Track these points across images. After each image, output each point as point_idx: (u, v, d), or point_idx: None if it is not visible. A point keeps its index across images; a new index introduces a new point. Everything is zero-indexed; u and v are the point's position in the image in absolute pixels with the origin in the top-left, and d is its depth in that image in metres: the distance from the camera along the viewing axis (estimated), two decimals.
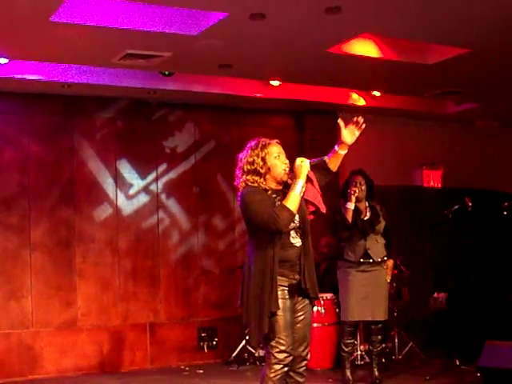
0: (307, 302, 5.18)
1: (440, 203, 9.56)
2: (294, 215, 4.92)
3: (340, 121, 5.18)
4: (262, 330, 4.94)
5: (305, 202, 5.11)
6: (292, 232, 5.06)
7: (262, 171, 5.08)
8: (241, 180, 5.16)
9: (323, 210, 5.05)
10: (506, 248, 11.88)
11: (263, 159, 5.09)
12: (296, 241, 5.07)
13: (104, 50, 7.72)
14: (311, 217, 5.12)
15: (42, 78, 8.58)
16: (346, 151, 5.29)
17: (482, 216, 9.87)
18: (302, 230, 5.10)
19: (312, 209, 5.09)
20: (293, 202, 4.89)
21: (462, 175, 11.69)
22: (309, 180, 5.02)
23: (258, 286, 4.97)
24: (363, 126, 5.22)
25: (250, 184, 5.10)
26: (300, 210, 5.03)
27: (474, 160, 11.96)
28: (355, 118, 5.20)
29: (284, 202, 4.89)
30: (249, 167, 5.11)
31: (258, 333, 4.99)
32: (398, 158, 11.28)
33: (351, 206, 7.77)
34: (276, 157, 5.10)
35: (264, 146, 5.14)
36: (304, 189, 4.97)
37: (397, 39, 8.05)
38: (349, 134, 5.22)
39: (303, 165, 4.97)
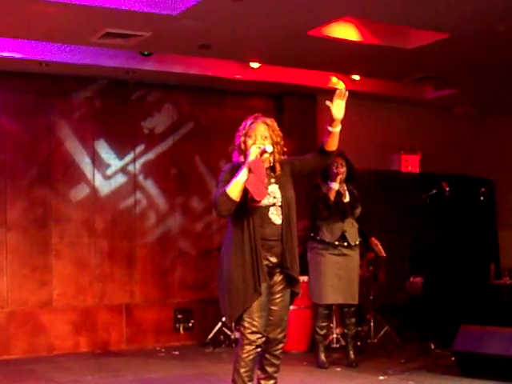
0: (284, 284, 5.17)
1: (418, 188, 9.58)
2: (234, 201, 4.86)
3: (328, 102, 5.11)
4: (242, 306, 4.97)
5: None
6: (272, 208, 5.06)
7: (241, 150, 5.13)
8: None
9: (257, 197, 4.98)
10: (482, 233, 11.96)
11: (241, 138, 5.15)
12: (275, 218, 5.06)
13: (83, 28, 7.66)
14: (252, 204, 5.05)
15: (19, 56, 8.50)
16: (339, 127, 5.10)
17: (459, 201, 9.92)
18: (283, 209, 5.09)
19: (249, 195, 5.04)
20: (233, 188, 4.85)
21: (440, 160, 11.73)
22: (250, 169, 4.95)
23: (239, 262, 4.98)
24: (346, 93, 5.06)
25: (235, 159, 5.17)
26: (283, 189, 5.08)
27: (451, 145, 12.00)
28: (337, 91, 5.07)
29: (225, 188, 4.88)
30: (235, 144, 5.20)
31: (234, 310, 5.02)
32: (377, 143, 11.30)
33: (335, 186, 7.82)
34: (251, 137, 5.11)
35: (245, 125, 5.17)
36: (248, 175, 4.89)
37: (377, 23, 8.06)
38: (336, 109, 5.05)
39: (251, 152, 4.94)
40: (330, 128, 5.11)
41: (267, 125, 5.18)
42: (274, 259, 5.09)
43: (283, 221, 5.08)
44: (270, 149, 5.00)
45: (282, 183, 5.11)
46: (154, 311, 9.79)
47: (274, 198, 5.08)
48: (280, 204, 5.09)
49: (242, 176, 4.87)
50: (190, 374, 7.80)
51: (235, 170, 5.02)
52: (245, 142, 5.11)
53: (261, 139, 5.09)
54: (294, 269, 5.15)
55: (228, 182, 4.94)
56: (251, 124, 5.16)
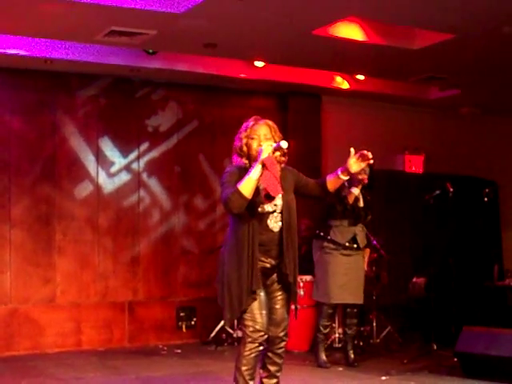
0: (282, 284, 5.17)
1: (421, 188, 9.58)
2: (246, 198, 4.81)
3: (352, 149, 5.11)
4: (239, 309, 4.98)
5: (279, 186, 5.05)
6: (271, 215, 5.05)
7: (243, 152, 5.10)
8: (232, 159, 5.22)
9: (273, 193, 4.97)
10: (486, 234, 11.94)
11: (242, 140, 5.11)
12: (274, 225, 5.05)
13: (88, 26, 7.66)
14: (266, 201, 5.06)
15: (24, 53, 8.50)
16: (347, 178, 5.15)
17: (463, 202, 9.92)
18: (283, 215, 5.08)
19: (264, 192, 5.03)
20: (246, 185, 4.80)
21: (444, 161, 11.72)
22: (264, 166, 4.93)
23: (236, 266, 4.99)
24: (371, 161, 5.07)
25: (236, 163, 5.14)
26: (284, 195, 5.04)
27: (455, 146, 11.98)
28: (365, 151, 5.05)
29: (237, 185, 4.85)
30: (235, 147, 5.16)
31: (233, 312, 5.02)
32: (381, 143, 11.26)
33: (356, 191, 7.88)
34: (254, 138, 5.08)
35: (247, 127, 5.13)
36: (260, 173, 4.87)
37: (382, 23, 8.05)
38: (355, 164, 5.06)
39: (264, 149, 4.90)
40: (340, 174, 5.11)
41: (269, 126, 5.15)
42: (271, 262, 5.10)
43: (283, 227, 5.07)
44: (285, 145, 4.91)
45: (284, 189, 5.03)
46: (157, 309, 9.80)
47: (275, 205, 5.06)
48: (280, 211, 5.08)
49: (255, 173, 4.83)
50: (192, 373, 7.80)
51: (242, 171, 5.00)
52: (247, 144, 5.08)
53: (264, 140, 5.06)
54: (293, 275, 5.12)
55: (235, 182, 4.91)
56: (253, 125, 5.13)
